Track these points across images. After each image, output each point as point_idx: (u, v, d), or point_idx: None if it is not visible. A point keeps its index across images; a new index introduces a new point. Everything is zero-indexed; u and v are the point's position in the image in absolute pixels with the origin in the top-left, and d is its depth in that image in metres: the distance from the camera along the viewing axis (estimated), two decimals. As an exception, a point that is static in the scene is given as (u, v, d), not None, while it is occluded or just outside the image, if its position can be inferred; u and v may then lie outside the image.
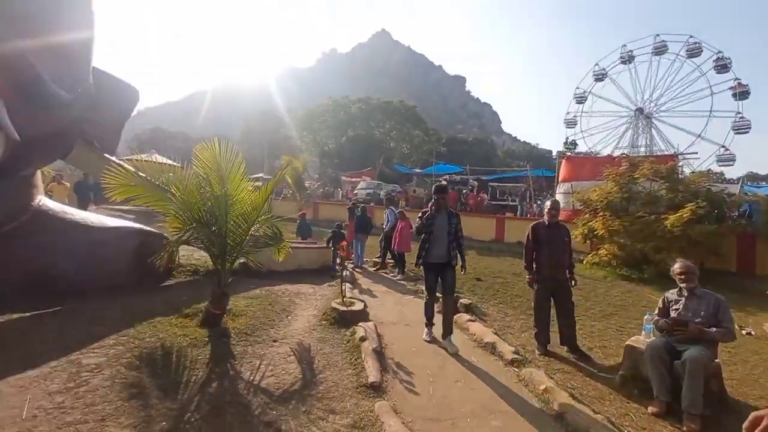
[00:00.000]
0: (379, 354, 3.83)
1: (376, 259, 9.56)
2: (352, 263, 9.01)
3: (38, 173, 6.11)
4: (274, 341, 4.08)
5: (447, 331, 4.38)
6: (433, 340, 4.50)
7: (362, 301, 5.63)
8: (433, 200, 4.54)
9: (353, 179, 26.20)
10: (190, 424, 2.51)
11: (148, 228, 6.25)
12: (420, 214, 4.63)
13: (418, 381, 3.49)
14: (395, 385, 3.37)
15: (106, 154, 7.22)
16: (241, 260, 7.59)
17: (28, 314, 4.17)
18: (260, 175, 30.58)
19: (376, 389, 3.19)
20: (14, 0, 4.14)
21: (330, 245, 8.41)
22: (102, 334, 3.67)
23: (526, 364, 3.90)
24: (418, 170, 25.81)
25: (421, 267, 4.61)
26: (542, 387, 3.35)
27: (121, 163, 5.74)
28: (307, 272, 7.69)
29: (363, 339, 4.07)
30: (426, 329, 4.62)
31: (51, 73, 4.50)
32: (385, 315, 5.49)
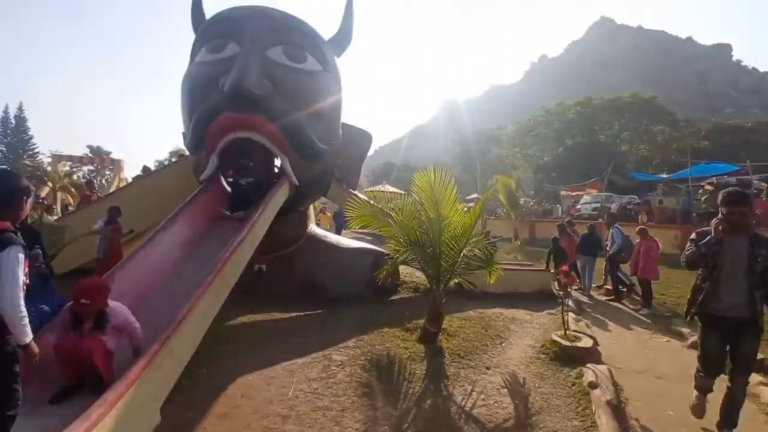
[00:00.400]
0: (617, 409, 3.10)
1: (609, 287, 8.03)
2: (578, 287, 7.90)
3: (311, 207, 8.19)
4: (487, 368, 3.93)
5: (726, 423, 2.86)
6: (702, 411, 3.06)
7: (591, 336, 4.78)
8: (721, 216, 2.91)
9: (574, 193, 23.30)
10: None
11: (380, 249, 7.32)
12: (694, 236, 3.08)
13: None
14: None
15: (350, 189, 9.00)
16: (456, 280, 7.89)
17: (302, 314, 5.52)
18: (474, 196, 31.41)
19: (612, 454, 2.56)
20: (293, 87, 5.63)
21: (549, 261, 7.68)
22: (346, 336, 4.45)
23: None
24: (664, 175, 20.49)
25: (697, 320, 3.05)
26: None
27: (359, 195, 7.01)
28: (522, 296, 7.20)
29: (593, 386, 3.40)
30: (695, 392, 3.13)
31: (315, 133, 5.99)
32: (624, 359, 4.47)
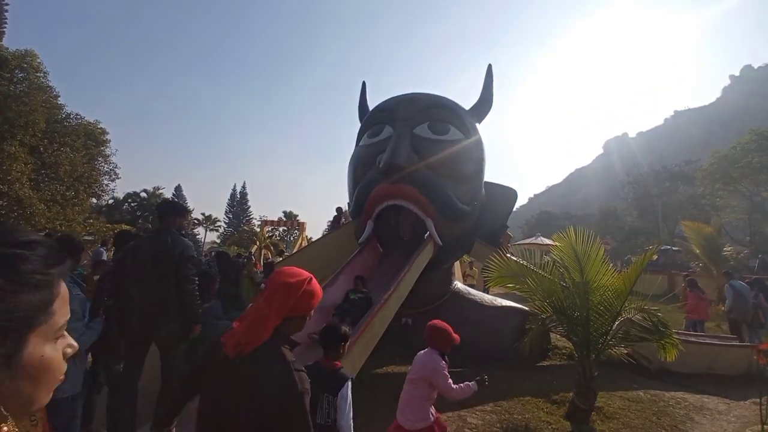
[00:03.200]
0: None
1: None
2: None
3: (456, 264, 8.53)
4: (653, 467, 3.33)
5: None
6: None
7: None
8: None
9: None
10: None
11: (527, 308, 7.00)
12: None
13: None
14: None
15: (494, 246, 9.00)
16: (623, 350, 6.83)
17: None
18: (663, 247, 26.04)
19: None
20: (437, 156, 6.31)
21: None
22: (484, 399, 4.43)
23: None
24: None
25: None
26: None
27: (502, 251, 7.01)
28: (721, 379, 5.67)
29: None
30: None
31: (457, 195, 6.47)
32: None
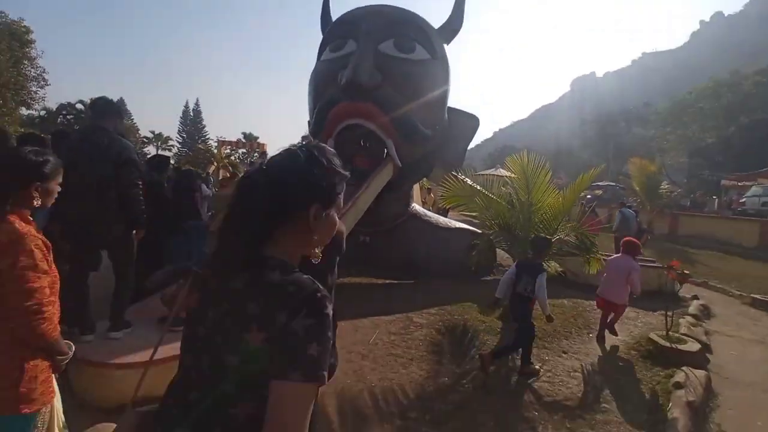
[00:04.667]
0: (695, 411, 2.89)
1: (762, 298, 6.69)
2: None
3: (415, 187, 8.72)
4: (564, 352, 3.95)
5: None
6: None
7: (703, 343, 4.28)
8: None
9: (741, 183, 18.81)
10: (462, 388, 3.04)
11: (479, 230, 7.48)
12: None
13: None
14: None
15: (452, 172, 9.23)
16: (560, 269, 7.60)
17: (396, 282, 6.16)
18: (603, 183, 27.82)
19: (672, 447, 2.50)
20: (401, 76, 6.12)
21: None
22: (430, 304, 4.90)
23: None
24: None
25: None
26: None
27: (460, 176, 7.23)
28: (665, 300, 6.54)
29: (679, 386, 3.19)
30: None
31: (419, 119, 6.42)
32: (737, 371, 3.93)
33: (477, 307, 4.96)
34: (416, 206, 8.38)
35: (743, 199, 16.55)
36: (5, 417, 1.35)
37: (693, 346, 4.01)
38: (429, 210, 9.88)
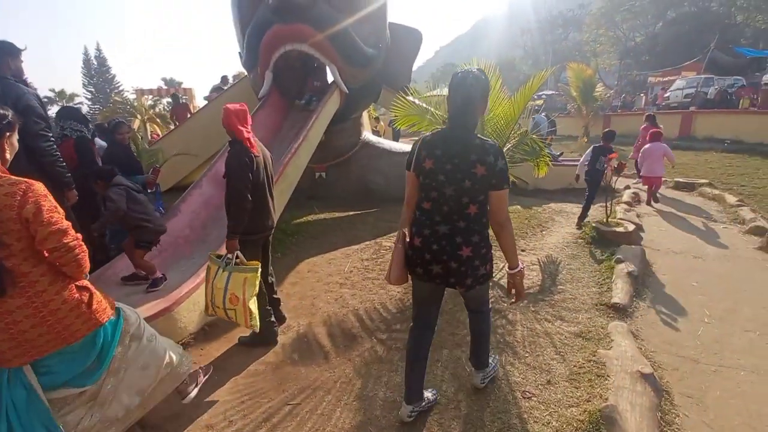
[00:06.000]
0: (635, 278, 3.36)
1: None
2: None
3: (364, 114, 8.43)
4: (522, 250, 4.30)
5: None
6: None
7: (635, 223, 4.83)
8: None
9: (666, 79, 20.02)
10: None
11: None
12: None
13: (686, 318, 2.89)
14: (647, 315, 2.95)
15: (400, 93, 8.96)
16: (512, 177, 7.92)
17: (359, 212, 6.21)
18: (544, 92, 28.48)
19: (618, 311, 2.92)
20: None
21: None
22: (394, 228, 5.04)
23: None
24: None
25: None
26: None
27: (409, 98, 7.06)
28: (580, 192, 7.10)
29: (619, 261, 3.64)
30: None
31: (361, 37, 5.98)
32: (667, 243, 4.53)
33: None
34: (368, 134, 8.18)
35: (667, 94, 17.74)
36: (97, 330, 1.62)
37: (629, 227, 4.52)
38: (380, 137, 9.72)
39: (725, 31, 25.46)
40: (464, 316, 2.54)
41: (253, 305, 2.30)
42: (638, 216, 5.52)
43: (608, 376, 2.13)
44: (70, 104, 46.41)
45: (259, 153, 2.62)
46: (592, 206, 6.10)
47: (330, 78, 6.33)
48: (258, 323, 2.34)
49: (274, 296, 3.00)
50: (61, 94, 45.92)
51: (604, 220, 4.72)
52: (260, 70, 5.98)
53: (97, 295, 1.65)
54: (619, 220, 4.84)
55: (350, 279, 3.71)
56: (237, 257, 2.37)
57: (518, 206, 6.12)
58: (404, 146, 8.02)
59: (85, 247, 1.55)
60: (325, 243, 4.71)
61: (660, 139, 6.45)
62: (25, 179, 1.43)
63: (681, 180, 7.61)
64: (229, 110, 2.57)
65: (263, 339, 2.68)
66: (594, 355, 2.36)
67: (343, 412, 2.05)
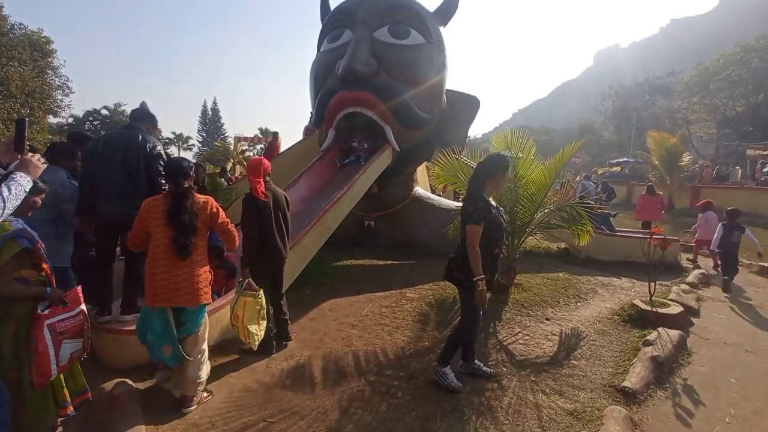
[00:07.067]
0: (659, 364, 3.06)
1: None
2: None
3: (421, 170, 8.91)
4: (547, 319, 4.14)
5: None
6: None
7: (689, 306, 4.38)
8: None
9: (766, 152, 17.88)
10: (438, 348, 3.31)
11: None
12: None
13: (703, 416, 2.57)
14: (661, 405, 2.68)
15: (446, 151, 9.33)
16: (564, 245, 7.68)
17: (398, 262, 6.43)
18: (623, 159, 26.96)
19: (626, 396, 2.70)
20: (397, 62, 6.27)
21: None
22: (425, 281, 5.16)
23: None
24: None
25: None
26: None
27: (447, 153, 7.32)
28: (636, 266, 6.58)
29: (647, 343, 3.35)
30: None
31: (416, 103, 6.59)
32: (721, 333, 4.03)
33: (470, 282, 5.17)
34: (419, 189, 8.57)
35: (766, 168, 15.80)
36: (203, 305, 2.51)
37: (674, 309, 4.12)
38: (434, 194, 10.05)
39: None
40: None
41: (253, 326, 2.70)
42: (699, 299, 4.98)
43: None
44: (184, 145, 54.86)
45: (268, 198, 3.20)
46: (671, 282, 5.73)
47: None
48: (256, 342, 2.76)
49: (282, 317, 3.44)
50: (179, 137, 54.74)
51: (648, 298, 4.36)
52: (325, 128, 6.82)
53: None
54: (667, 301, 4.43)
55: (363, 322, 3.90)
56: (248, 283, 2.86)
57: (560, 274, 5.85)
58: (451, 203, 8.23)
59: (235, 231, 2.68)
60: (355, 287, 4.97)
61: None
62: (209, 197, 2.63)
63: (766, 265, 6.65)
64: (249, 164, 3.36)
65: (261, 349, 3.08)
66: (576, 436, 2.23)
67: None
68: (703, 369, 3.22)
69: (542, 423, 2.40)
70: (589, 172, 17.10)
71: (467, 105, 8.54)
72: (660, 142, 16.58)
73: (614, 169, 24.83)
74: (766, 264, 6.73)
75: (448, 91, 7.75)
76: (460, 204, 7.76)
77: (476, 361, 3.05)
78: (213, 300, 3.04)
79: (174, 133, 54.16)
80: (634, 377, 2.86)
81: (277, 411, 2.47)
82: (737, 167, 19.05)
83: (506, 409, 2.53)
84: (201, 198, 2.55)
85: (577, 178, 9.33)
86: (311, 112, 7.66)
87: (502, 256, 4.96)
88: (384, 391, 2.71)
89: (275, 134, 13.68)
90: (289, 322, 3.54)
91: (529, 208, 4.71)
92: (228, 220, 2.64)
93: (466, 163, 5.30)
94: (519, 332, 3.76)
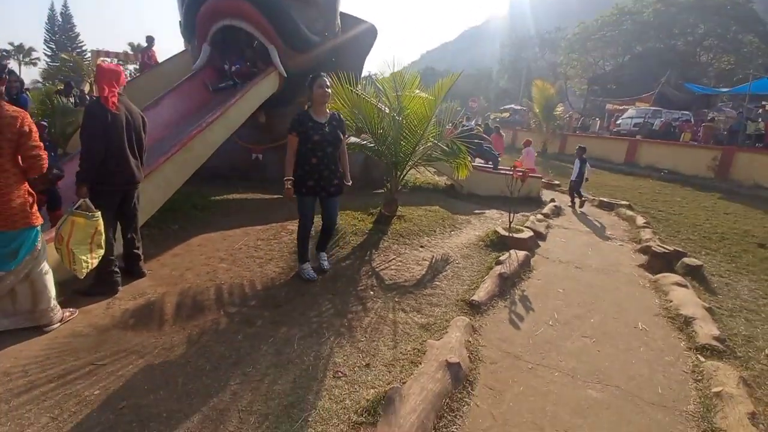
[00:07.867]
0: (504, 280, 3.50)
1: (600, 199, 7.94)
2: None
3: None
4: (421, 247, 4.39)
5: None
6: None
7: (535, 231, 5.05)
8: None
9: (622, 107, 21.12)
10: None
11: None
12: None
13: (532, 320, 3.03)
14: (499, 313, 3.08)
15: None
16: (449, 182, 8.09)
17: (278, 196, 6.11)
18: (510, 106, 29.32)
19: (473, 308, 3.03)
20: None
21: None
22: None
23: (723, 358, 2.65)
24: (722, 89, 17.87)
25: None
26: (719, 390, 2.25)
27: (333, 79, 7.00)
28: (512, 201, 7.33)
29: (499, 262, 3.79)
30: None
31: (305, 22, 5.91)
32: (560, 253, 4.76)
33: (355, 214, 5.19)
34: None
35: (619, 121, 18.72)
36: (25, 229, 2.19)
37: (526, 234, 4.72)
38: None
39: (688, 69, 27.06)
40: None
41: (82, 251, 2.32)
42: (548, 227, 5.77)
43: (421, 363, 2.21)
44: (26, 59, 43.68)
45: (120, 111, 2.66)
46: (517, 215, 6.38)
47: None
48: (83, 270, 2.40)
49: (134, 251, 3.09)
50: (19, 48, 43.16)
51: (508, 226, 4.90)
52: (198, 42, 5.81)
53: (36, 204, 2.26)
54: (522, 227, 5.03)
55: (234, 255, 3.66)
56: (84, 203, 2.48)
57: (438, 207, 6.14)
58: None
59: (45, 157, 2.24)
60: (233, 221, 4.62)
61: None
62: (23, 110, 2.18)
63: (604, 200, 8.01)
64: (101, 68, 2.70)
65: (100, 289, 2.78)
66: (422, 345, 2.43)
67: (141, 375, 2.01)
68: (539, 282, 3.78)
69: (396, 337, 2.57)
70: (484, 117, 18.27)
71: (363, 33, 8.05)
72: (542, 91, 18.23)
73: (504, 114, 26.92)
74: (605, 199, 8.08)
75: (342, 14, 7.16)
76: (353, 139, 7.58)
77: (322, 253, 3.58)
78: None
79: (12, 44, 42.40)
80: (482, 292, 3.22)
81: (111, 353, 2.18)
82: (597, 119, 22.17)
83: (365, 328, 2.64)
84: (9, 109, 2.11)
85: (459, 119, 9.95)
86: (179, 21, 6.42)
87: (386, 189, 5.09)
88: (242, 321, 2.59)
89: (150, 39, 11.24)
90: (141, 257, 3.14)
91: (410, 141, 4.74)
92: (41, 144, 2.25)
93: (366, 99, 5.07)
94: (393, 259, 3.92)
